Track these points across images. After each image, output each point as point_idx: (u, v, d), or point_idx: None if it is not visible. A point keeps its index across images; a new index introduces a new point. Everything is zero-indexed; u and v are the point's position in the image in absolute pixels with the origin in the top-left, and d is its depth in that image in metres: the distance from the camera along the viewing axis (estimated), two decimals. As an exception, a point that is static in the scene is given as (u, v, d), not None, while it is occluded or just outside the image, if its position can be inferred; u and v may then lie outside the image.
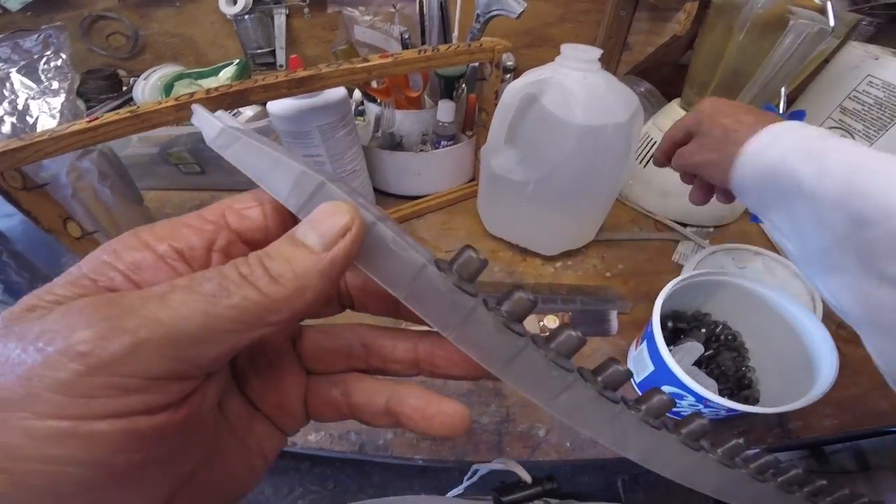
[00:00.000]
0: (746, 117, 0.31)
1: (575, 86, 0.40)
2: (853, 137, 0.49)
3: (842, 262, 0.25)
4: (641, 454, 0.17)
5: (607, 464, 1.07)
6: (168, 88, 0.67)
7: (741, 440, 0.18)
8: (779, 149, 0.27)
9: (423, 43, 0.54)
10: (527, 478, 0.45)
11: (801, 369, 0.36)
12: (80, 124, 0.33)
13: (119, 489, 0.10)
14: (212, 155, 0.58)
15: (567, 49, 0.41)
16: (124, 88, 0.72)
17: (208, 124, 0.14)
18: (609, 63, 0.69)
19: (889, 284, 0.23)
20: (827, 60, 0.54)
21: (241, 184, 0.63)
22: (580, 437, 0.38)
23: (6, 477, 0.09)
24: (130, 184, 0.52)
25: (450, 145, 0.57)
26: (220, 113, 0.15)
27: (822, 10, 0.40)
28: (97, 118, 0.34)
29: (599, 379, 0.16)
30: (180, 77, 0.68)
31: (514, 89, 0.43)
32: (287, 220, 0.14)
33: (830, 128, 0.52)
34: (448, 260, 0.14)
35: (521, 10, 0.50)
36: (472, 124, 0.61)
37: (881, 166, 0.23)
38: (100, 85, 0.68)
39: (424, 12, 0.53)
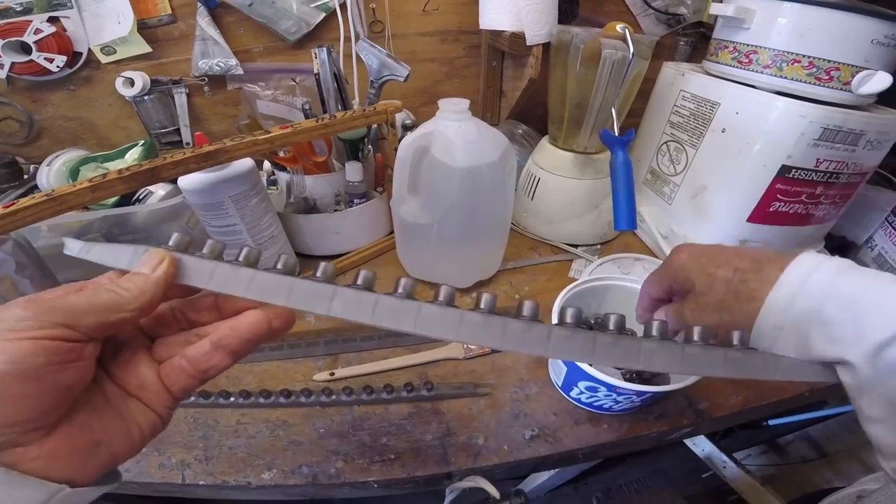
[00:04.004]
0: (742, 262, 0.28)
1: (453, 134, 0.47)
2: (683, 148, 0.61)
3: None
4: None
5: (579, 485, 1.11)
6: (74, 173, 0.66)
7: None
8: (807, 297, 0.25)
9: (324, 111, 0.60)
10: (495, 493, 0.48)
11: None
12: None
13: (22, 382, 0.16)
14: (128, 239, 0.58)
15: (443, 104, 0.48)
16: (25, 176, 0.70)
17: (71, 245, 0.24)
18: (492, 110, 0.80)
19: None
20: (654, 81, 0.66)
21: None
22: (515, 440, 0.42)
23: None
24: (50, 275, 0.50)
25: (363, 202, 0.62)
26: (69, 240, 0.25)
27: (624, 39, 0.49)
28: (13, 203, 0.35)
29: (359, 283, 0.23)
30: (86, 161, 0.67)
31: (407, 144, 0.49)
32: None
33: (665, 142, 0.64)
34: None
35: (407, 72, 0.58)
36: (383, 181, 0.67)
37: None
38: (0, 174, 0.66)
39: (321, 84, 0.59)
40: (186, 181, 0.47)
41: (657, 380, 0.45)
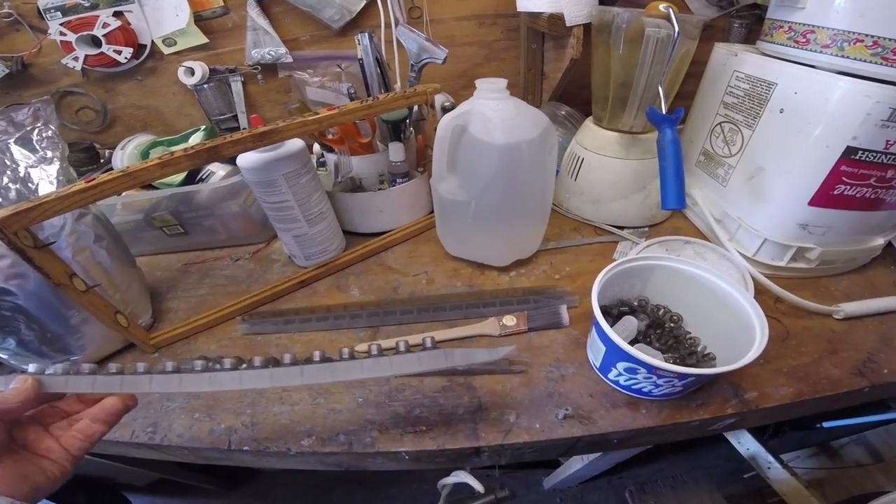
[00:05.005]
0: None
1: (491, 112, 0.47)
2: (738, 129, 0.58)
3: None
4: None
5: (613, 478, 1.09)
6: (144, 155, 0.72)
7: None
8: None
9: (368, 95, 0.62)
10: (479, 488, 0.49)
11: (741, 339, 0.39)
12: (81, 184, 0.39)
13: None
14: (192, 216, 0.63)
15: (480, 83, 0.48)
16: (101, 160, 0.77)
17: None
18: (533, 92, 0.79)
19: None
20: (706, 63, 0.63)
21: (220, 241, 0.68)
22: (548, 419, 0.42)
23: None
24: (124, 247, 0.55)
25: (404, 182, 0.64)
26: None
27: (668, 18, 0.48)
28: (94, 178, 0.39)
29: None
30: (154, 145, 0.73)
31: (445, 123, 0.50)
32: None
33: (718, 123, 0.61)
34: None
35: (444, 55, 0.59)
36: (424, 161, 0.68)
37: None
38: (80, 157, 0.73)
39: (365, 68, 0.61)
40: (244, 160, 0.51)
41: (702, 364, 0.44)
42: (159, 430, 0.44)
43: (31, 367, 0.34)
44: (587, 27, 0.60)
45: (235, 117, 0.80)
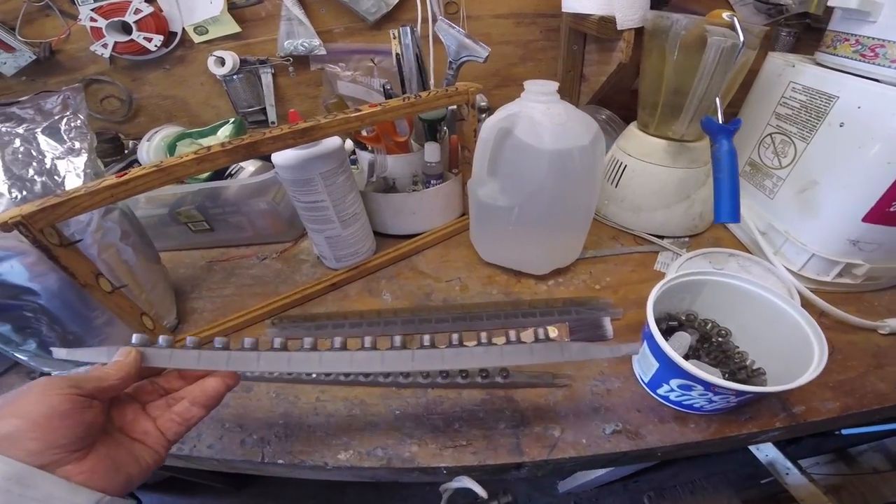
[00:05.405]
0: None
1: (540, 116, 0.45)
2: (791, 141, 0.56)
3: None
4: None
5: (629, 483, 1.08)
6: (171, 148, 0.70)
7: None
8: None
9: (404, 92, 0.60)
10: (483, 494, 0.47)
11: (794, 354, 0.39)
12: (112, 179, 0.37)
13: (60, 419, 0.24)
14: (218, 212, 0.61)
15: (529, 85, 0.47)
16: (125, 151, 0.76)
17: (58, 352, 0.32)
18: (571, 95, 0.77)
19: None
20: (756, 72, 0.62)
21: (246, 239, 0.66)
22: (594, 434, 0.40)
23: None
24: (149, 243, 0.54)
25: (438, 183, 0.62)
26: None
27: (732, 27, 0.46)
28: (126, 173, 0.37)
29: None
30: (182, 137, 0.71)
31: (490, 125, 0.48)
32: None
33: (769, 134, 0.59)
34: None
35: (487, 53, 0.57)
36: (457, 162, 0.66)
37: None
38: (104, 148, 0.71)
39: (402, 65, 0.59)
40: (280, 157, 0.49)
41: (755, 380, 0.43)
42: (188, 440, 0.42)
43: (135, 338, 0.31)
44: (638, 31, 0.58)
45: (263, 110, 0.78)
